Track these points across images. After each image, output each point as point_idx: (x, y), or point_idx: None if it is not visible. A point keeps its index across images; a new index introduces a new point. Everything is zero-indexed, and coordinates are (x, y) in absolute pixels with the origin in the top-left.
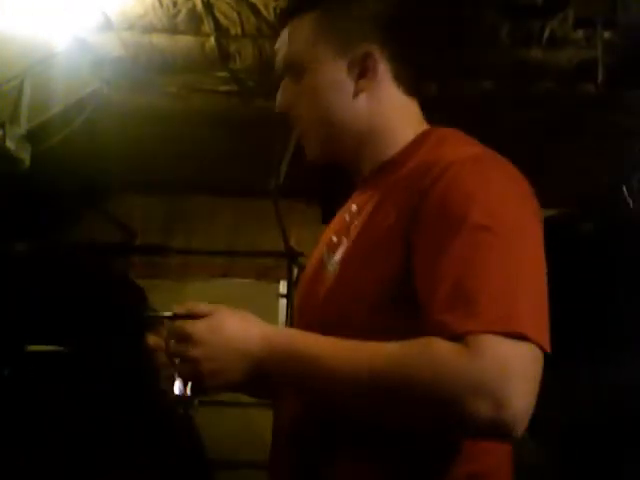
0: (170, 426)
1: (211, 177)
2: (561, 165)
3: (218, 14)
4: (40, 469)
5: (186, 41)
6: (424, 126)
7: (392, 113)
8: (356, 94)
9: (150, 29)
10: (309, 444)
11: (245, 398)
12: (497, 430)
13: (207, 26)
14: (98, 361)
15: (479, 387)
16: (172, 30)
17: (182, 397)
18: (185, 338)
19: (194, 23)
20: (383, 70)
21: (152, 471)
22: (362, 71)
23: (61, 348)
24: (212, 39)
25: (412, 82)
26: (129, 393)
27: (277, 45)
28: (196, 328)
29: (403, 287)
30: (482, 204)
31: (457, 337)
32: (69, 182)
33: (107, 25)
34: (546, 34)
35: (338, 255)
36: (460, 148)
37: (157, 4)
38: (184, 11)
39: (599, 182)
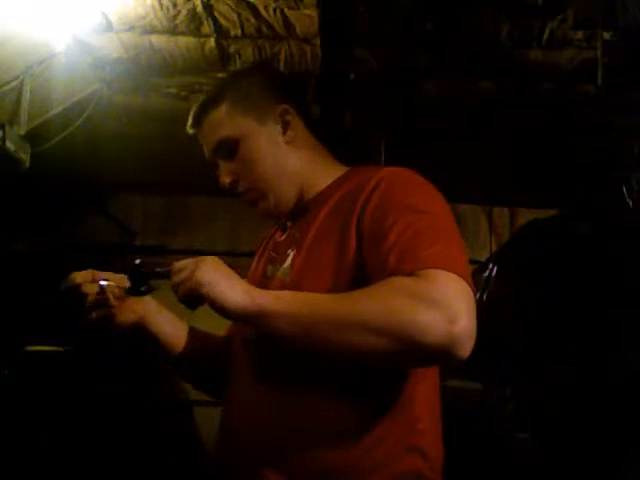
0: (170, 426)
1: (211, 177)
2: (560, 165)
3: (218, 15)
4: (40, 469)
5: (186, 42)
6: (343, 165)
7: (316, 155)
8: (287, 144)
9: (150, 30)
10: (275, 387)
11: None
12: (448, 345)
13: (207, 27)
14: (98, 361)
15: (434, 302)
16: (172, 31)
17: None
18: (185, 264)
19: (194, 24)
20: (298, 121)
21: (152, 471)
22: (284, 125)
23: (61, 348)
24: (212, 40)
25: (319, 130)
26: (129, 393)
27: (200, 140)
28: (195, 258)
29: (357, 284)
30: (419, 196)
31: (409, 274)
32: (69, 182)
33: (107, 26)
34: (546, 34)
35: (287, 263)
36: (385, 167)
37: (157, 5)
38: (184, 12)
39: (599, 182)
